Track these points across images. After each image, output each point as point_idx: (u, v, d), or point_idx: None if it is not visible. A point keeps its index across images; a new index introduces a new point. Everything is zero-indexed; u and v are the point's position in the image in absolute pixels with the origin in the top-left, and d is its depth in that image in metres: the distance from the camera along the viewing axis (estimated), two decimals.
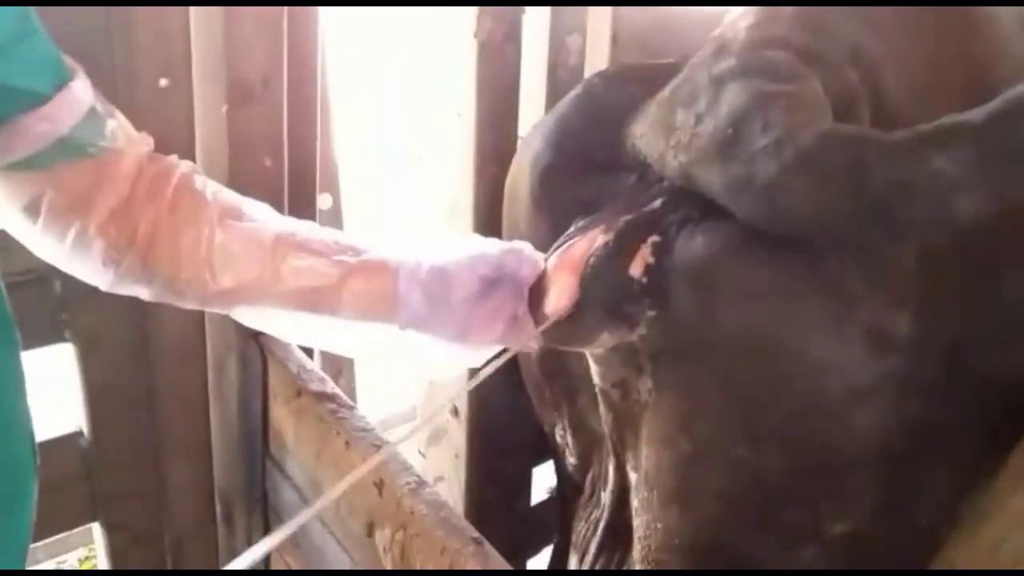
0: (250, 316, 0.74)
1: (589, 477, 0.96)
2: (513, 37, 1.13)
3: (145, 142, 0.69)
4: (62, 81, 0.61)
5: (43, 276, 0.99)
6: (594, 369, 0.82)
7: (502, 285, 0.73)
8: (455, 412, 1.26)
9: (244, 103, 1.01)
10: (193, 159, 1.05)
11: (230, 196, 0.72)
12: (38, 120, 0.59)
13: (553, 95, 1.29)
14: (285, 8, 1.02)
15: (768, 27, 0.69)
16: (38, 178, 0.63)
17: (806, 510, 0.72)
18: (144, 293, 0.70)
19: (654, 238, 0.69)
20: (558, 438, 1.00)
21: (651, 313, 0.71)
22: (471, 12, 1.09)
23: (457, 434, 1.26)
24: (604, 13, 1.32)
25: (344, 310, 0.71)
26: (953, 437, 0.72)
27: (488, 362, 0.74)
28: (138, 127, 1.00)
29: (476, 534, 0.80)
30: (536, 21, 1.25)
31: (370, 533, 0.89)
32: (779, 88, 0.63)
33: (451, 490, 1.30)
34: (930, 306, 0.66)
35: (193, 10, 1.00)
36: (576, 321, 0.71)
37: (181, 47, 1.02)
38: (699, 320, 0.69)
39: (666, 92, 0.73)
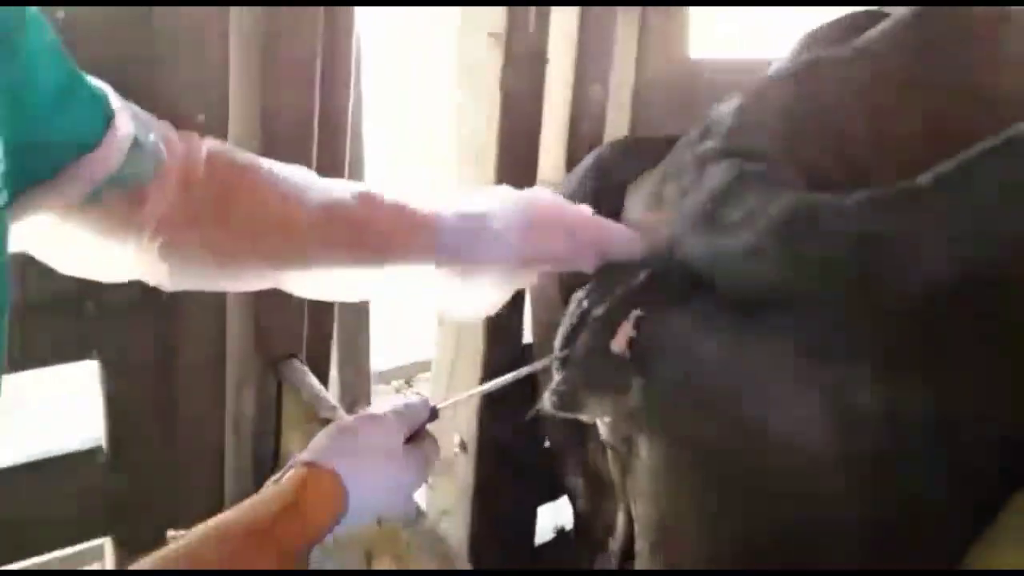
0: (297, 282, 0.76)
1: (600, 524, 0.98)
2: (535, 87, 1.17)
3: (183, 138, 0.71)
4: (107, 122, 0.62)
5: (74, 297, 1.03)
6: (601, 424, 0.84)
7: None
8: (463, 446, 1.28)
9: (276, 141, 1.05)
10: None
11: (267, 163, 0.75)
12: (89, 165, 0.60)
13: (572, 144, 1.33)
14: (319, 51, 1.07)
15: (751, 113, 0.75)
16: (93, 210, 0.63)
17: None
18: (202, 280, 0.73)
19: (636, 313, 0.72)
20: (569, 482, 1.02)
21: (639, 380, 0.73)
22: (498, 60, 1.14)
23: (464, 469, 1.28)
24: (628, 64, 1.36)
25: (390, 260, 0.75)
26: (944, 511, 0.72)
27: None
28: None
29: (470, 568, 0.81)
30: (559, 70, 1.29)
31: (368, 563, 0.91)
32: (755, 168, 0.68)
33: (455, 525, 1.31)
34: (902, 379, 0.67)
35: (232, 48, 1.06)
36: (566, 392, 0.75)
37: (220, 84, 1.07)
38: (676, 391, 0.72)
39: (659, 168, 0.80)
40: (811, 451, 0.68)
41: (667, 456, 0.75)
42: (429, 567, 0.82)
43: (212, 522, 0.60)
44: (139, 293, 0.87)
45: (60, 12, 0.96)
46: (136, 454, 1.15)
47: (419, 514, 0.87)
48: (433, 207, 0.76)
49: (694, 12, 1.45)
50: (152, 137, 0.66)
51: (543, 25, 1.16)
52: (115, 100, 0.64)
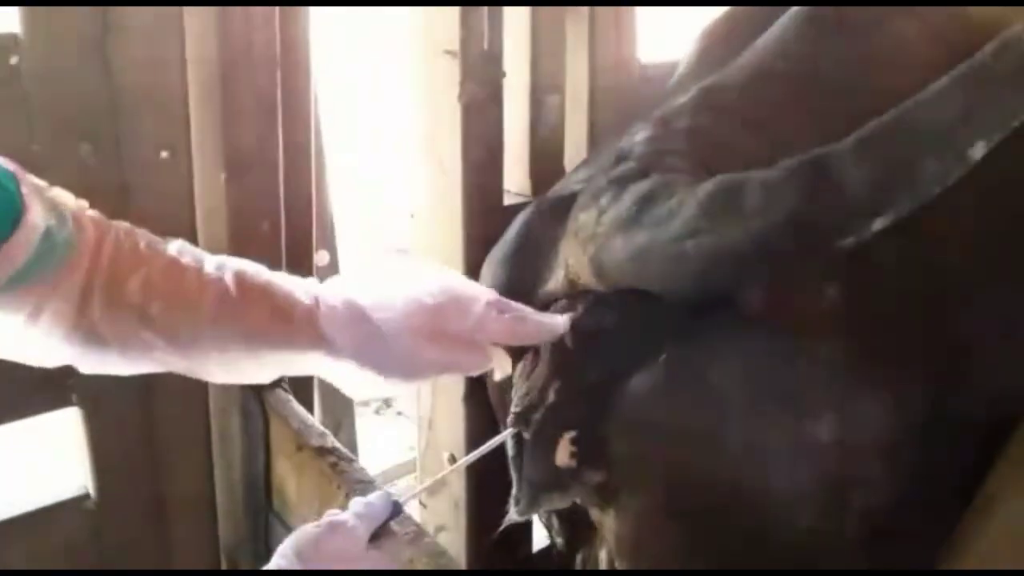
0: (202, 367, 0.74)
1: (579, 558, 0.99)
2: (495, 99, 1.19)
3: (95, 224, 0.69)
4: (16, 216, 0.60)
5: None
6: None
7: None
8: (453, 460, 1.28)
9: (241, 171, 1.06)
10: (193, 226, 1.10)
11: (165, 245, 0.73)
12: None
13: (535, 152, 1.36)
14: (279, 75, 1.08)
15: (663, 141, 0.75)
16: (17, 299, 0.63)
17: None
18: (106, 363, 0.71)
19: (570, 434, 0.73)
20: (542, 520, 1.03)
21: (596, 477, 0.75)
22: (455, 76, 1.15)
23: (456, 484, 1.29)
24: (582, 73, 1.39)
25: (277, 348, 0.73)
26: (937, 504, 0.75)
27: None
28: (141, 198, 1.06)
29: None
30: (516, 83, 1.31)
31: None
32: (680, 177, 0.69)
33: (453, 539, 1.32)
34: (853, 404, 0.70)
35: (192, 83, 1.06)
36: (527, 502, 0.77)
37: (181, 120, 1.08)
38: (638, 462, 0.74)
39: (575, 204, 0.77)
40: (779, 506, 0.70)
41: (640, 520, 0.77)
42: None
43: None
44: None
45: (14, 59, 0.96)
46: (124, 495, 1.14)
47: (419, 532, 0.87)
48: (315, 297, 0.73)
49: (643, 16, 1.48)
50: (67, 229, 0.65)
51: (497, 39, 1.18)
52: (25, 188, 0.62)
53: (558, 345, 0.75)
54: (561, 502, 0.80)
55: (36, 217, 0.62)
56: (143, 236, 0.72)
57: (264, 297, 0.72)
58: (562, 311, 0.76)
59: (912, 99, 0.58)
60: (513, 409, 0.78)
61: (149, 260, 0.70)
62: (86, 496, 1.12)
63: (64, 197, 0.68)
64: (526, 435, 0.77)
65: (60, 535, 1.11)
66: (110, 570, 1.14)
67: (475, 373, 0.77)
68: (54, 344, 0.67)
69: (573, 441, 0.73)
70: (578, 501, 0.82)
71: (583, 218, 0.73)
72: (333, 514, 0.69)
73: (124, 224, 0.71)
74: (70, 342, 0.67)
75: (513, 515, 0.79)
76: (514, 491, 0.79)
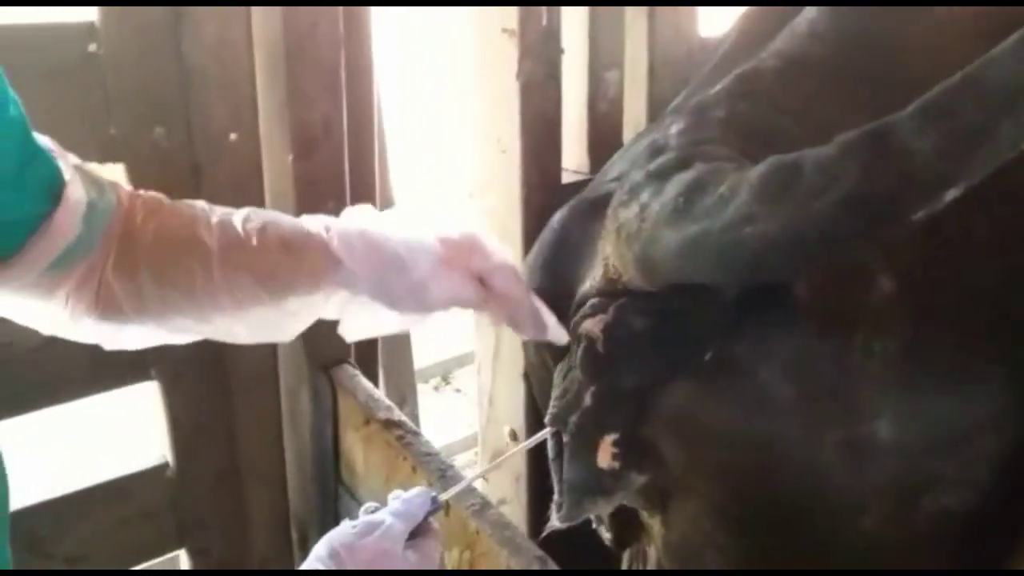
0: (225, 327, 0.73)
1: (627, 554, 0.99)
2: (553, 76, 1.19)
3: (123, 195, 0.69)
4: (59, 192, 0.61)
5: None
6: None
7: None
8: (514, 436, 1.30)
9: (308, 151, 1.09)
10: (262, 206, 1.13)
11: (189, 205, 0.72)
12: (42, 239, 0.60)
13: (593, 129, 1.35)
14: (343, 56, 1.10)
15: (699, 131, 0.72)
16: (59, 276, 0.64)
17: None
18: (146, 338, 0.72)
19: (611, 436, 0.72)
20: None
21: (641, 479, 0.74)
22: (513, 55, 1.16)
23: (517, 458, 1.31)
24: (641, 47, 1.37)
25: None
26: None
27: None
28: (212, 179, 1.10)
29: (540, 552, 0.84)
30: (575, 59, 1.31)
31: (440, 555, 0.94)
32: (725, 164, 0.65)
33: (514, 512, 1.34)
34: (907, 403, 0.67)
35: (258, 66, 1.09)
36: (570, 506, 0.76)
37: (249, 103, 1.10)
38: (687, 466, 0.72)
39: (612, 202, 0.74)
40: (831, 499, 0.68)
41: (693, 522, 0.75)
42: (500, 553, 0.84)
43: None
44: None
45: (92, 46, 1.00)
46: (201, 466, 1.19)
47: (484, 504, 0.90)
48: (327, 226, 0.74)
49: None
50: (105, 199, 0.66)
51: (555, 17, 1.18)
52: (66, 169, 0.63)
53: (590, 350, 0.73)
54: (606, 507, 0.78)
55: (77, 191, 0.62)
56: (167, 200, 0.72)
57: (273, 230, 0.71)
58: (592, 312, 0.74)
59: (979, 61, 0.53)
60: (551, 410, 0.78)
61: (164, 216, 0.70)
62: (165, 465, 1.17)
63: (101, 171, 0.69)
64: (565, 437, 0.76)
65: (143, 501, 1.16)
66: (116, 570, 1.17)
67: (477, 309, 0.76)
68: (73, 318, 0.67)
69: (615, 443, 0.72)
70: (626, 503, 0.81)
71: (624, 215, 0.70)
72: (370, 511, 0.69)
73: (151, 192, 0.72)
74: (89, 314, 0.67)
75: (555, 522, 0.78)
76: (556, 496, 0.78)
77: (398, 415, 1.03)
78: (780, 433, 0.68)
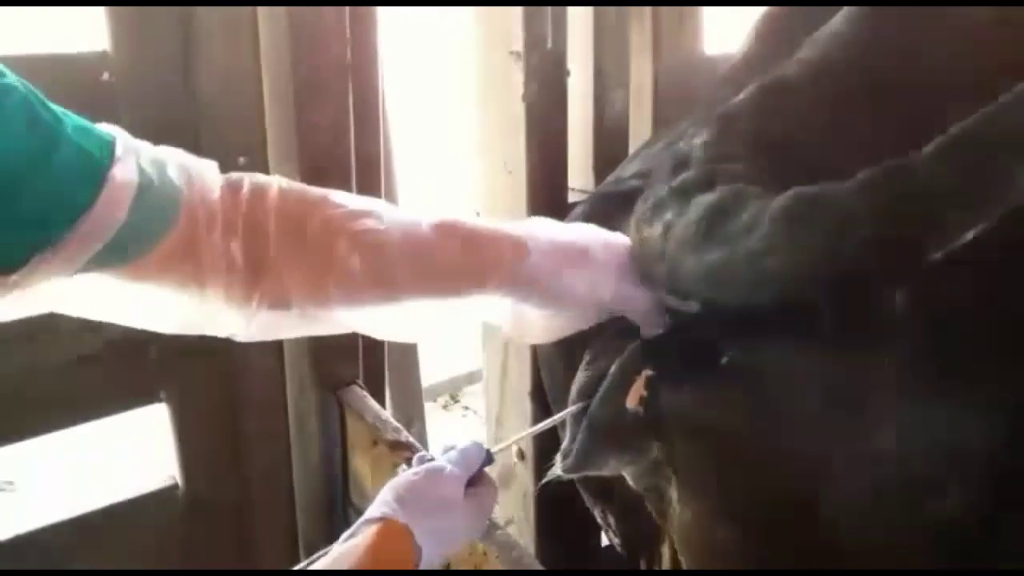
0: (363, 321, 0.73)
1: (643, 560, 0.98)
2: (559, 99, 1.20)
3: (210, 168, 0.68)
4: (100, 177, 0.58)
5: (140, 342, 1.08)
6: (626, 472, 0.83)
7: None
8: (521, 455, 1.30)
9: (316, 177, 1.09)
10: None
11: (337, 195, 0.72)
12: (86, 226, 0.57)
13: (599, 148, 1.36)
14: (350, 84, 1.11)
15: (724, 145, 0.73)
16: (126, 269, 0.62)
17: None
18: (282, 328, 0.70)
19: (648, 372, 0.71)
20: (599, 519, 1.02)
21: (653, 450, 0.74)
22: (519, 77, 1.17)
23: (524, 476, 1.31)
24: (646, 67, 1.38)
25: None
26: None
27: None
28: None
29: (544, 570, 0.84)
30: (580, 79, 1.32)
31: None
32: (748, 188, 0.66)
33: (522, 532, 1.34)
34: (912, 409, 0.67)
35: (267, 93, 1.10)
36: (581, 451, 0.75)
37: (258, 128, 1.12)
38: (697, 463, 0.73)
39: (635, 213, 0.75)
40: (838, 505, 0.68)
41: (698, 508, 0.75)
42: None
43: None
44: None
45: (105, 75, 1.02)
46: (210, 488, 1.20)
47: (491, 524, 0.90)
48: (524, 232, 0.75)
49: (708, 11, 1.47)
50: (168, 176, 0.63)
51: (560, 39, 1.19)
52: (120, 148, 0.60)
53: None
54: (614, 464, 0.77)
55: (125, 173, 0.59)
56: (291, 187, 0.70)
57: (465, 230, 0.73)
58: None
59: (997, 102, 0.55)
60: (576, 386, 0.78)
61: (324, 206, 0.69)
62: (175, 486, 1.18)
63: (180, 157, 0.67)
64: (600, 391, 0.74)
65: (152, 522, 1.17)
66: (124, 571, 1.17)
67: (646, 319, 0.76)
68: (216, 311, 0.66)
69: (646, 385, 0.71)
70: (630, 481, 0.80)
71: (648, 232, 0.71)
72: (427, 459, 0.70)
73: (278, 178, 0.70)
74: (240, 307, 0.66)
75: (558, 470, 0.77)
76: (564, 444, 0.77)
77: (405, 436, 1.03)
78: (787, 440, 0.69)
